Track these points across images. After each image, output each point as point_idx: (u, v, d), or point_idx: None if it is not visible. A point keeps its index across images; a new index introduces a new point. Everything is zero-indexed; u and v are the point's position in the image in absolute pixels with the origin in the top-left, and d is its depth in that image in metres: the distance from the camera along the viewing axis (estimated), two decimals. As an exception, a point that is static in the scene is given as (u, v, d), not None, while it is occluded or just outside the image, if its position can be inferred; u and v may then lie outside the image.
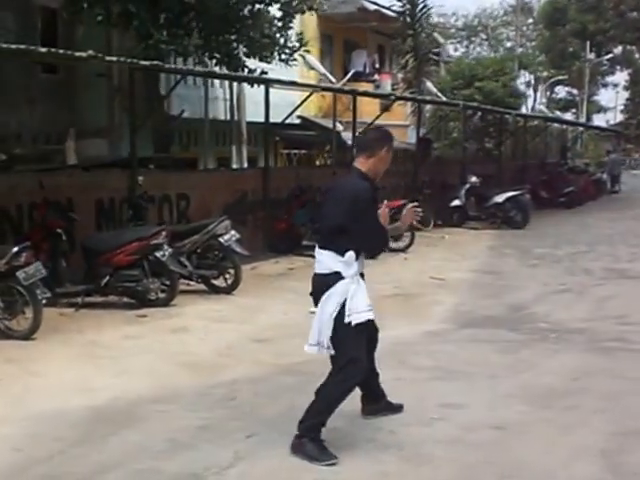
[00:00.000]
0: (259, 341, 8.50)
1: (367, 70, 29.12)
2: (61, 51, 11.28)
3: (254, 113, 15.55)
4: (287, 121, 22.53)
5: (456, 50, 50.53)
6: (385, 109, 20.80)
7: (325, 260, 5.44)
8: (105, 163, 13.77)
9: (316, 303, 5.48)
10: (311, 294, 5.56)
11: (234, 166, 20.62)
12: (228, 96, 20.69)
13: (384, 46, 30.24)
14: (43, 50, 10.55)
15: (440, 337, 8.47)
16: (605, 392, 6.41)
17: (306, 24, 26.58)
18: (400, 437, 5.48)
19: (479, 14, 52.84)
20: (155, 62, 12.47)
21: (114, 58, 12.24)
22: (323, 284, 5.42)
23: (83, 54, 9.99)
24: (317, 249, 5.53)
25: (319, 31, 27.24)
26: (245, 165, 20.05)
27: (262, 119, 16.31)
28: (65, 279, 10.61)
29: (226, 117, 21.05)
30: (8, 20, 17.56)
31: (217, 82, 20.71)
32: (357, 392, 6.31)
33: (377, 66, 30.68)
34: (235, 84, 19.29)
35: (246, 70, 15.55)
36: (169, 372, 7.30)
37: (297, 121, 23.92)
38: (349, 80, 23.64)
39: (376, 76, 29.36)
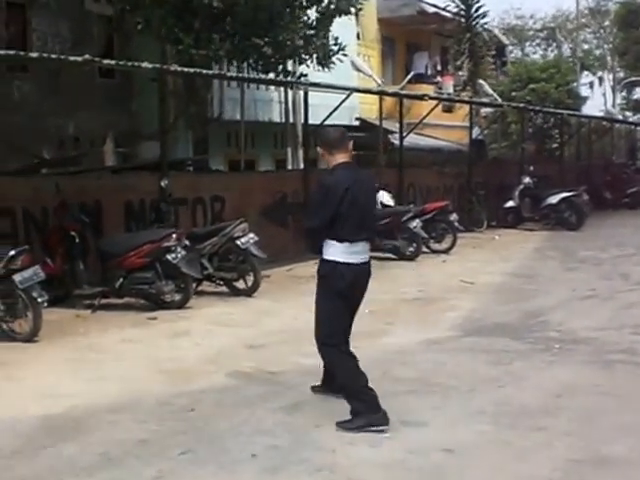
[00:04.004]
0: (252, 347, 8.28)
1: (428, 72, 28.69)
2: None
3: (311, 116, 15.42)
4: (346, 123, 22.43)
5: (535, 52, 49.50)
6: (431, 110, 20.26)
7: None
8: (136, 166, 13.76)
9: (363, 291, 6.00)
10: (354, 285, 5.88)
11: (289, 167, 20.54)
12: (283, 99, 20.61)
13: (447, 48, 29.74)
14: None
15: (438, 346, 8.08)
16: (584, 411, 5.93)
17: (367, 28, 26.36)
18: (338, 457, 5.14)
19: (557, 16, 51.51)
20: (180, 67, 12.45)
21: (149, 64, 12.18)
22: None
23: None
24: (364, 243, 5.84)
25: (380, 34, 27.04)
26: (301, 167, 19.85)
27: (319, 122, 16.17)
28: (83, 281, 10.63)
29: (281, 119, 20.95)
30: (65, 29, 17.84)
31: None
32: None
33: (439, 68, 30.18)
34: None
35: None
36: (145, 379, 7.13)
37: (356, 123, 23.71)
38: (409, 82, 23.26)
39: (438, 78, 28.88)
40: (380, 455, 5.20)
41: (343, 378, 5.82)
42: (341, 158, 5.81)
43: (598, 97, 50.15)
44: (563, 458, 5.07)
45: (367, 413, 5.62)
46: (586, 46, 49.56)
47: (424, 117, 19.10)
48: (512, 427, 5.63)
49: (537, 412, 5.94)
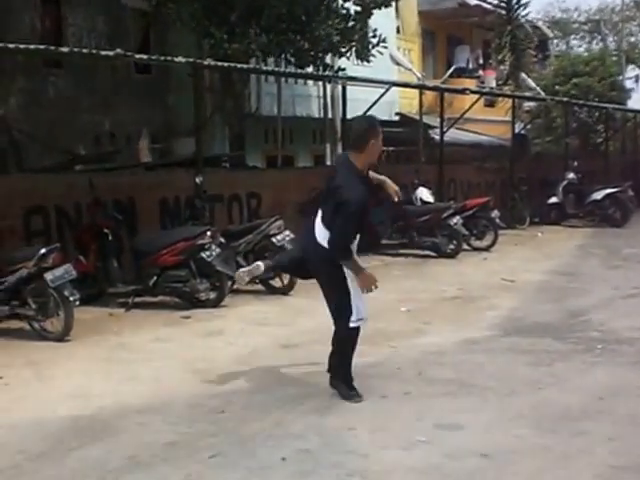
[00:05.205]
0: (286, 347, 8.13)
1: (470, 66, 28.30)
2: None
3: (350, 110, 15.26)
4: (385, 118, 22.17)
5: (579, 46, 48.68)
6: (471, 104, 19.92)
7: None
8: (172, 162, 13.68)
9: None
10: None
11: (327, 163, 20.34)
12: (322, 94, 20.40)
13: (490, 41, 29.28)
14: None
15: (477, 346, 7.85)
16: (627, 415, 5.68)
17: (407, 21, 26.08)
18: (371, 462, 4.96)
19: (602, 8, 50.54)
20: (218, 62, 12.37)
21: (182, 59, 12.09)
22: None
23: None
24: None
25: (421, 27, 26.72)
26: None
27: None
28: (117, 279, 10.56)
29: (320, 115, 20.76)
30: (100, 24, 17.84)
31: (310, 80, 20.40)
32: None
33: (481, 62, 29.74)
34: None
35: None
36: (176, 379, 7.01)
37: (396, 118, 23.46)
38: (451, 76, 22.92)
39: (480, 72, 28.47)
40: (414, 460, 5.00)
41: None
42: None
43: (644, 91, 49.06)
44: (605, 464, 4.84)
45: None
46: (632, 39, 48.57)
47: (465, 111, 18.80)
48: (552, 431, 5.40)
49: (578, 416, 5.71)
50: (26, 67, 15.19)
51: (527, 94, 23.01)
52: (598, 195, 18.65)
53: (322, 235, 5.99)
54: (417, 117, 19.29)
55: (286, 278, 11.07)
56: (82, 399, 6.44)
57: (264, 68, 15.51)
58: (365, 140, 5.82)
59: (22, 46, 10.17)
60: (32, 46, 10.13)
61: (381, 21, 17.99)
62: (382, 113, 20.37)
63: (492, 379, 6.65)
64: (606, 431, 5.37)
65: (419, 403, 6.08)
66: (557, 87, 26.13)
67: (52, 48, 10.16)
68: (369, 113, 15.75)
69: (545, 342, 7.89)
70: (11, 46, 10.06)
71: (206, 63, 12.40)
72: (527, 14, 26.48)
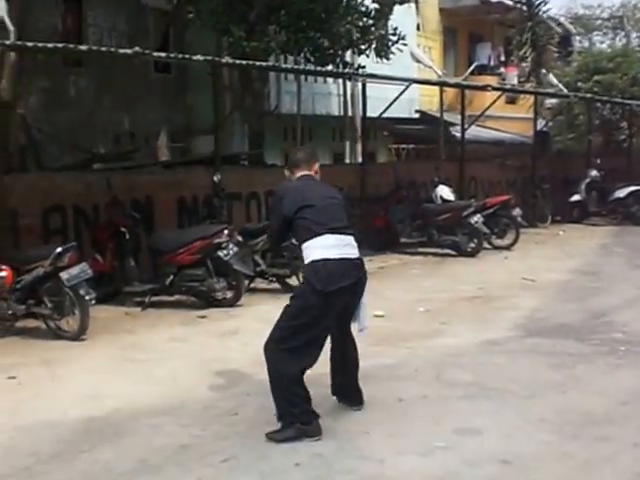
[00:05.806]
0: (302, 348, 7.99)
1: (491, 63, 28.02)
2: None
3: (370, 108, 15.15)
4: (405, 116, 22.08)
5: (602, 42, 48.22)
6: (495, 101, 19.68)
7: None
8: (190, 160, 13.61)
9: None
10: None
11: (347, 161, 20.25)
12: (341, 92, 20.31)
13: (511, 38, 28.96)
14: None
15: (497, 347, 7.69)
16: (653, 420, 5.53)
17: (428, 18, 25.90)
18: (387, 469, 4.82)
19: (625, 4, 50.01)
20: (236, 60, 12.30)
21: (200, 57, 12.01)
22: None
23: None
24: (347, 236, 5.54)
25: (442, 25, 26.52)
26: (360, 160, 19.54)
27: (377, 115, 15.89)
28: (134, 278, 10.50)
29: (340, 113, 20.65)
30: (120, 23, 17.82)
31: (330, 78, 20.30)
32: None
33: (502, 59, 29.44)
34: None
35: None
36: (191, 380, 6.90)
37: (416, 115, 23.30)
38: (472, 74, 22.68)
39: (501, 69, 28.19)
40: (431, 466, 4.87)
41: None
42: (300, 172, 5.74)
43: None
44: (630, 472, 4.70)
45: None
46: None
47: (486, 109, 18.59)
48: (575, 437, 5.24)
49: (602, 421, 5.54)
50: (47, 66, 15.16)
51: (549, 91, 22.71)
52: (621, 193, 18.45)
53: (355, 244, 5.61)
54: (437, 114, 19.08)
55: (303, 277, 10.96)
56: (95, 400, 6.36)
57: (283, 66, 15.40)
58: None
59: (41, 44, 10.11)
60: (51, 44, 10.05)
61: (401, 18, 17.88)
62: (402, 110, 20.32)
63: (513, 382, 6.49)
64: (631, 437, 5.21)
65: (437, 407, 5.94)
66: (579, 84, 25.80)
67: (71, 46, 10.09)
68: (389, 110, 15.78)
69: (567, 343, 7.72)
70: (30, 44, 10.01)
71: (225, 61, 12.31)
72: (548, 10, 26.22)
